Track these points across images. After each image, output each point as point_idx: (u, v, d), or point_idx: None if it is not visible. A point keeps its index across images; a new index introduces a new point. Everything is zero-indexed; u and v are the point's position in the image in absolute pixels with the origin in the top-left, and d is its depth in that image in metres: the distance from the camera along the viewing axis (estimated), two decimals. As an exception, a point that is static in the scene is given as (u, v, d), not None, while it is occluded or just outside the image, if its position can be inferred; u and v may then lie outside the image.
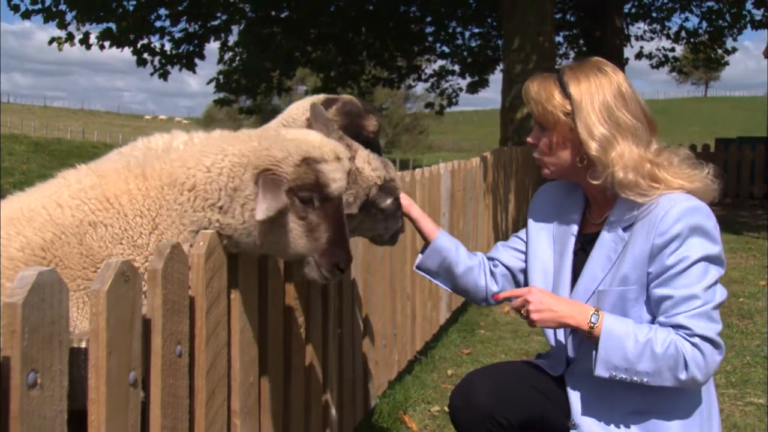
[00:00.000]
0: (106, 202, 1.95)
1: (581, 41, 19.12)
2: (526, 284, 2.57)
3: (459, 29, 19.23)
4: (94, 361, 1.54)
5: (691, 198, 2.21)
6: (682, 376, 2.08)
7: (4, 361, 1.29)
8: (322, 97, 2.94)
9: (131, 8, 13.99)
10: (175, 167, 2.01)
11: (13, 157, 26.80)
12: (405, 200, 2.63)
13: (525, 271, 2.58)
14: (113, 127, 59.05)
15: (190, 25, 15.47)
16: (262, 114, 19.75)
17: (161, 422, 1.76)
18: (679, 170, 2.25)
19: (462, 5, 18.00)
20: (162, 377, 1.76)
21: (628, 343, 2.08)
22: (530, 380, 2.38)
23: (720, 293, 2.15)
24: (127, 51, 14.58)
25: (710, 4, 18.63)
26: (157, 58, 15.11)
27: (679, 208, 2.15)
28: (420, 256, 2.66)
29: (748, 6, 17.53)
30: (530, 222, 2.55)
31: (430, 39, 19.26)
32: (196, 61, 15.42)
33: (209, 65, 17.07)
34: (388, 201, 2.51)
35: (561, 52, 19.91)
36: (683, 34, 19.74)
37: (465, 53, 19.45)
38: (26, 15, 13.03)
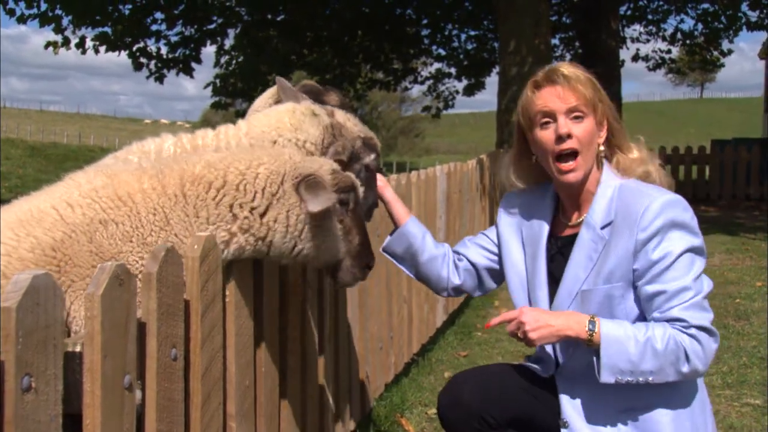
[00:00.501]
0: (118, 200, 1.99)
1: (577, 43, 19.14)
2: (490, 282, 2.64)
3: (455, 32, 19.25)
4: (89, 364, 1.54)
5: (666, 191, 2.24)
6: (684, 368, 2.10)
7: (-2, 365, 1.29)
8: (273, 91, 3.01)
9: (127, 12, 13.97)
10: (202, 168, 2.07)
11: (10, 161, 26.76)
12: (380, 181, 2.66)
13: (489, 270, 2.61)
14: (110, 131, 59.00)
15: (186, 29, 15.45)
16: (259, 117, 19.71)
17: (156, 426, 1.76)
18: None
19: (458, 8, 18.01)
20: (157, 380, 1.76)
21: (629, 345, 2.08)
22: (518, 381, 2.38)
23: (707, 283, 2.19)
24: (123, 55, 14.55)
25: (705, 6, 18.66)
26: (153, 62, 15.10)
27: (659, 202, 2.16)
28: (388, 238, 2.69)
29: (744, 8, 17.56)
30: (500, 231, 2.54)
31: (426, 41, 19.27)
32: (193, 65, 15.41)
33: (206, 69, 17.12)
34: (372, 156, 2.60)
35: (557, 54, 19.93)
36: (679, 36, 19.77)
37: (461, 56, 19.46)
38: (22, 19, 13.01)
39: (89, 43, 13.94)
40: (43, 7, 12.91)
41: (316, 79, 18.34)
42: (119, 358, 1.60)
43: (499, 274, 2.60)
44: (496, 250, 2.59)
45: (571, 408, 2.27)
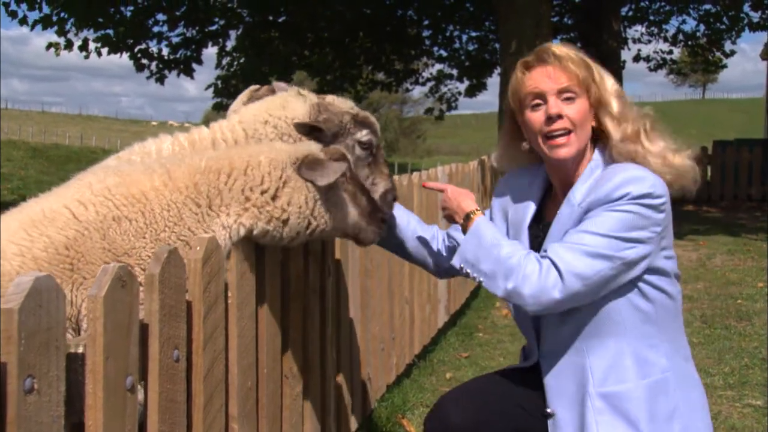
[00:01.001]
0: (132, 198, 2.03)
1: (578, 44, 19.14)
2: None
3: (456, 33, 19.24)
4: (91, 366, 1.54)
5: (643, 168, 2.15)
6: (509, 285, 2.07)
7: (0, 367, 1.29)
8: (248, 91, 3.18)
9: (129, 14, 13.99)
10: (207, 161, 2.17)
11: (12, 162, 26.79)
12: None
13: None
14: (111, 133, 59.05)
15: (187, 30, 15.47)
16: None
17: (158, 427, 1.76)
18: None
19: (459, 9, 18.01)
20: (159, 382, 1.76)
21: (482, 241, 2.17)
22: (505, 393, 2.32)
23: (625, 253, 2.05)
24: (124, 56, 14.57)
25: (707, 6, 18.65)
26: (154, 63, 15.12)
27: (624, 176, 2.09)
28: None
29: (746, 8, 17.55)
30: (492, 214, 2.54)
31: (427, 43, 19.27)
32: (194, 66, 15.42)
33: (207, 70, 17.08)
34: (364, 132, 2.67)
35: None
36: (680, 36, 19.76)
37: (462, 57, 19.45)
38: (24, 21, 13.02)
39: (91, 45, 13.96)
40: (45, 9, 12.92)
41: (317, 80, 18.39)
42: (121, 360, 1.60)
43: None
44: None
45: (553, 392, 2.24)
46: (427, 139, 60.23)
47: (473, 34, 19.26)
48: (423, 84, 20.71)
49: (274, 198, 2.16)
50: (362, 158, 2.68)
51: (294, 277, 2.59)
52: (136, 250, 1.98)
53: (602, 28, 15.46)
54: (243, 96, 3.13)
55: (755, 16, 17.66)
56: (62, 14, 13.02)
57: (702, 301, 6.64)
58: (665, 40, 20.06)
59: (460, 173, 6.23)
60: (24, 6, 12.63)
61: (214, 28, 16.03)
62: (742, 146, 15.15)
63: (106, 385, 1.55)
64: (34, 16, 14.29)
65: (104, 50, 14.03)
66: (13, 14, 12.73)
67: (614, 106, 2.22)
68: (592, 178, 2.21)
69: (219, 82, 16.95)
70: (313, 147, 2.33)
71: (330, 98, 2.76)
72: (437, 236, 2.69)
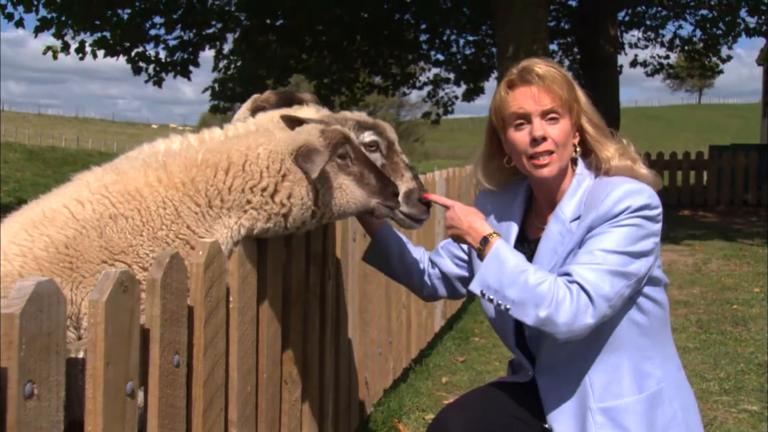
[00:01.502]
0: (128, 195, 2.03)
1: (575, 49, 19.17)
2: (462, 289, 2.64)
3: (453, 37, 19.26)
4: (91, 371, 1.54)
5: (635, 182, 2.19)
6: (542, 313, 2.01)
7: (1, 372, 1.29)
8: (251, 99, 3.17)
9: (126, 17, 13.98)
10: (204, 154, 2.14)
11: (8, 165, 26.70)
12: None
13: (460, 278, 2.60)
14: (108, 135, 58.97)
15: (184, 33, 15.47)
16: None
17: (158, 432, 1.76)
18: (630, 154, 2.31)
19: (457, 13, 18.04)
20: (159, 387, 1.75)
21: (506, 266, 2.08)
22: (503, 406, 2.31)
23: (634, 267, 2.08)
24: (121, 59, 14.57)
25: (704, 12, 18.71)
26: (151, 66, 15.11)
27: (622, 190, 2.13)
28: (366, 249, 2.74)
29: (742, 14, 17.61)
30: None
31: (425, 47, 19.28)
32: (191, 68, 15.42)
33: (204, 72, 17.17)
34: (366, 133, 2.67)
35: (555, 60, 19.94)
36: (677, 41, 19.82)
37: (459, 61, 19.48)
38: (20, 24, 13.00)
39: (88, 48, 13.94)
40: (42, 11, 12.92)
41: (314, 84, 18.37)
42: (122, 365, 1.60)
43: (469, 281, 2.58)
44: (466, 256, 2.57)
45: (552, 408, 2.24)
46: (425, 143, 60.24)
47: (470, 38, 19.28)
48: (420, 88, 20.73)
49: (273, 194, 2.13)
50: (374, 160, 2.67)
51: (295, 282, 2.59)
52: (133, 248, 1.98)
53: (599, 33, 15.48)
54: (247, 104, 3.14)
55: (751, 22, 17.73)
56: (60, 17, 13.01)
57: (698, 306, 6.65)
58: (662, 45, 20.12)
59: (457, 177, 6.23)
60: (21, 8, 12.61)
61: (211, 31, 16.04)
62: (739, 151, 15.20)
63: (106, 390, 1.55)
64: (31, 18, 14.24)
65: (101, 53, 14.03)
66: (9, 16, 12.71)
67: (597, 122, 2.28)
68: (580, 192, 2.24)
69: (216, 85, 16.94)
70: (312, 132, 2.26)
71: (345, 112, 2.79)
72: (423, 259, 2.67)
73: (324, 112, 2.76)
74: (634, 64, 20.65)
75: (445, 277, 2.62)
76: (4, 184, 21.13)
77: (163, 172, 2.09)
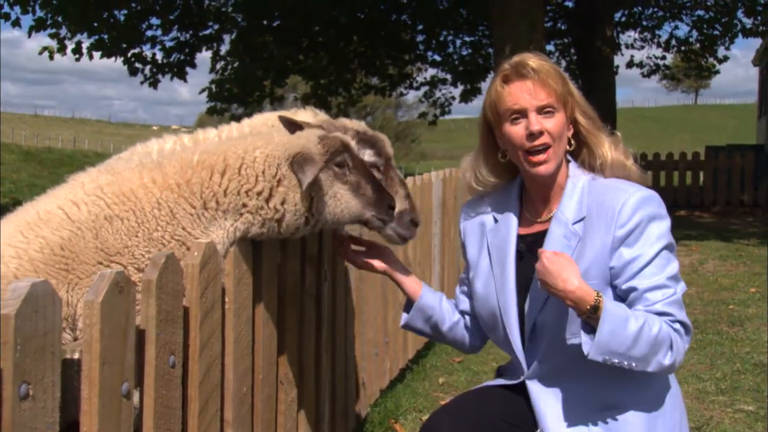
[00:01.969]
0: (123, 196, 2.03)
1: (572, 50, 19.20)
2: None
3: (450, 38, 19.28)
4: (87, 371, 1.54)
5: (640, 186, 2.22)
6: (666, 360, 2.06)
7: (-4, 373, 1.29)
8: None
9: (122, 18, 13.96)
10: (200, 155, 2.13)
11: (4, 166, 26.67)
12: (387, 257, 2.57)
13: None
14: (104, 136, 58.89)
15: (181, 35, 15.46)
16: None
17: (154, 433, 1.76)
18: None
19: (453, 14, 18.05)
20: (155, 388, 1.76)
21: (627, 328, 2.00)
22: (494, 410, 2.29)
23: (683, 283, 2.19)
24: (117, 60, 14.55)
25: (700, 12, 18.75)
26: (148, 67, 15.09)
27: (636, 198, 2.15)
28: (404, 315, 2.59)
29: (739, 14, 17.65)
30: (467, 251, 2.49)
31: (421, 47, 19.29)
32: (187, 69, 15.41)
33: (200, 73, 17.07)
34: (367, 152, 2.64)
35: (552, 61, 19.96)
36: (674, 42, 19.86)
37: (456, 62, 19.49)
38: (17, 23, 12.98)
39: (84, 49, 13.92)
40: (39, 12, 12.89)
41: (311, 84, 18.37)
42: (117, 366, 1.60)
43: None
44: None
45: (545, 416, 2.22)
46: (421, 143, 60.26)
47: (467, 39, 19.30)
48: (417, 89, 20.74)
49: (268, 199, 2.13)
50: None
51: (291, 282, 2.59)
52: (128, 249, 1.98)
53: (595, 34, 15.51)
54: (264, 119, 3.06)
55: (748, 22, 17.77)
56: (56, 18, 12.99)
57: (694, 306, 6.66)
58: (658, 45, 20.16)
59: (453, 178, 6.24)
60: (17, 9, 12.59)
61: (208, 32, 16.02)
62: (735, 152, 15.24)
63: (101, 391, 1.55)
64: (27, 19, 14.24)
65: (97, 53, 14.00)
66: (5, 16, 12.69)
67: (590, 114, 2.30)
68: (577, 192, 2.24)
69: (213, 87, 16.92)
70: (311, 138, 2.24)
71: (344, 119, 2.78)
72: (461, 316, 2.57)
73: (322, 117, 2.75)
74: (630, 65, 20.68)
75: (476, 319, 2.52)
76: (0, 185, 21.10)
77: (158, 173, 2.08)
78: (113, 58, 14.33)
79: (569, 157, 2.31)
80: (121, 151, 2.88)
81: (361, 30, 17.53)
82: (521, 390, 2.32)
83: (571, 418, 2.20)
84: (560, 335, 2.15)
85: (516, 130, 2.21)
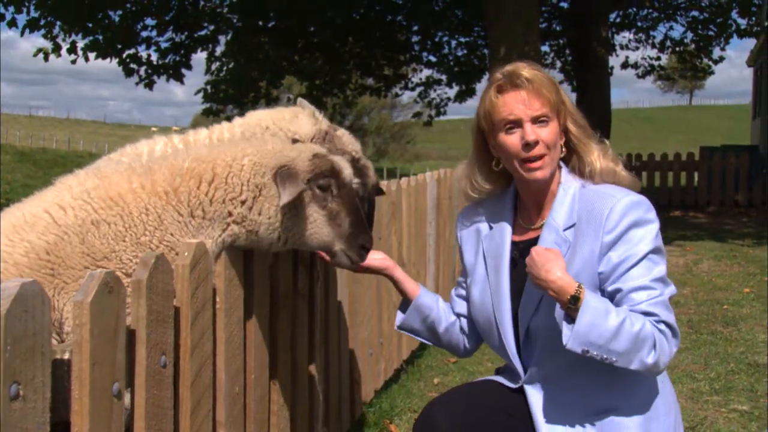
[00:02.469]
0: (110, 201, 2.01)
1: (567, 51, 19.23)
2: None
3: (445, 38, 19.29)
4: (77, 372, 1.54)
5: (629, 192, 2.23)
6: (649, 359, 2.06)
7: (-15, 373, 1.28)
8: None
9: (117, 18, 13.93)
10: (190, 162, 2.12)
11: (-2, 166, 26.62)
12: (388, 261, 2.57)
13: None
14: (99, 137, 58.76)
15: (176, 35, 15.43)
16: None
17: (145, 433, 1.75)
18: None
19: (449, 15, 18.06)
20: (146, 388, 1.75)
21: (607, 320, 2.02)
22: (492, 401, 2.32)
23: (671, 286, 2.19)
24: (112, 61, 14.52)
25: (695, 13, 18.79)
26: (143, 69, 15.07)
27: (623, 203, 2.17)
28: (400, 314, 2.59)
29: (733, 15, 17.69)
30: (464, 256, 2.49)
31: (417, 48, 19.30)
32: (183, 71, 15.38)
33: (195, 74, 17.11)
34: (356, 180, 2.54)
35: (547, 61, 20.01)
36: (668, 43, 19.91)
37: (451, 62, 19.50)
38: (13, 24, 12.94)
39: (79, 50, 13.88)
40: (33, 13, 12.87)
41: (306, 85, 18.36)
42: (108, 366, 1.59)
43: None
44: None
45: (544, 420, 2.24)
46: (416, 144, 60.26)
47: (462, 39, 19.31)
48: (412, 89, 20.75)
49: (250, 208, 2.12)
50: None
51: (282, 283, 2.59)
52: (116, 254, 1.97)
53: (590, 35, 15.53)
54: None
55: (742, 23, 17.81)
56: (50, 18, 12.96)
57: (689, 306, 6.68)
58: (653, 46, 20.21)
59: (448, 178, 6.24)
60: (12, 9, 12.56)
61: (203, 33, 16.00)
62: (729, 152, 15.29)
63: (92, 391, 1.54)
64: (22, 19, 14.20)
65: (92, 54, 13.97)
66: (0, 17, 12.65)
67: (581, 123, 2.32)
68: (568, 198, 2.26)
69: (209, 87, 16.90)
70: (304, 153, 2.21)
71: (341, 132, 2.68)
72: (449, 316, 2.57)
73: (321, 125, 2.66)
74: (625, 65, 20.72)
75: (472, 323, 2.54)
76: (-5, 186, 21.06)
77: (146, 179, 2.07)
78: (110, 60, 14.30)
79: (561, 164, 2.33)
80: (118, 149, 2.85)
81: (356, 31, 17.53)
82: (520, 392, 2.34)
83: (567, 423, 2.22)
84: (553, 339, 2.16)
85: (511, 140, 2.23)
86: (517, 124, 2.22)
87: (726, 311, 6.44)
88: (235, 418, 2.24)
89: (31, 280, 1.35)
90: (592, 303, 2.04)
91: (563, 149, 2.31)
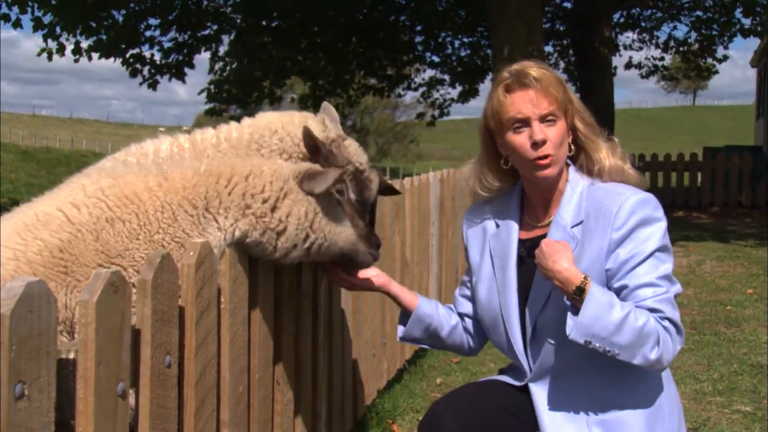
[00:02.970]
0: (125, 198, 2.03)
1: (570, 51, 19.22)
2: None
3: (449, 39, 19.29)
4: (82, 371, 1.54)
5: (637, 190, 2.24)
6: (652, 355, 2.06)
7: (-9, 373, 1.29)
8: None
9: (121, 18, 13.95)
10: (207, 166, 2.16)
11: (2, 165, 26.63)
12: (383, 278, 2.59)
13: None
14: (102, 136, 58.84)
15: (180, 35, 15.45)
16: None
17: (150, 433, 1.76)
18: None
19: (452, 15, 18.06)
20: (151, 388, 1.75)
21: (611, 313, 2.04)
22: (497, 400, 2.31)
23: (677, 284, 2.19)
24: (115, 60, 14.54)
25: (699, 13, 18.77)
26: (146, 68, 15.08)
27: (632, 201, 2.17)
28: (401, 327, 2.60)
29: (737, 14, 17.67)
30: (470, 255, 2.50)
31: (420, 48, 19.30)
32: (186, 70, 15.40)
33: (198, 74, 17.14)
34: (353, 194, 2.59)
35: (551, 61, 20.02)
36: (672, 43, 19.89)
37: (454, 62, 19.50)
38: (18, 24, 12.96)
39: (83, 50, 13.90)
40: (37, 12, 12.87)
41: (309, 85, 18.39)
42: (113, 366, 1.60)
43: None
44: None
45: (548, 418, 2.24)
46: (419, 144, 60.24)
47: (465, 40, 19.31)
48: (415, 89, 20.76)
49: (273, 209, 2.15)
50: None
51: (287, 282, 2.59)
52: (129, 252, 1.98)
53: (594, 35, 15.52)
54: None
55: (746, 22, 17.79)
56: (54, 18, 12.98)
57: (692, 307, 6.67)
58: (657, 46, 20.19)
59: (451, 178, 6.24)
60: (16, 9, 12.58)
61: (206, 32, 16.02)
62: (732, 153, 15.26)
63: (97, 391, 1.54)
64: (25, 19, 14.23)
65: (95, 54, 13.99)
66: (5, 17, 12.67)
67: (588, 121, 2.32)
68: (576, 196, 2.26)
69: (212, 87, 16.92)
70: (317, 166, 2.35)
71: (349, 142, 2.68)
72: (458, 319, 2.59)
73: (330, 134, 2.64)
74: (629, 66, 20.72)
75: (477, 322, 2.56)
76: (-1, 185, 21.09)
77: (163, 179, 2.11)
78: (114, 60, 14.32)
79: (569, 161, 2.34)
80: (122, 149, 2.84)
81: (359, 31, 17.54)
82: (525, 391, 2.34)
83: (571, 419, 2.22)
84: (559, 336, 2.17)
85: (520, 139, 2.24)
86: (525, 123, 2.23)
87: (729, 312, 6.43)
88: (239, 418, 2.24)
89: (36, 280, 1.35)
90: (597, 295, 2.06)
91: (571, 147, 2.31)
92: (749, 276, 8.04)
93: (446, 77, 20.03)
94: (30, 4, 12.56)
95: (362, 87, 19.82)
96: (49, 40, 13.12)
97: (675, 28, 22.07)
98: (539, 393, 2.28)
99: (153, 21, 14.86)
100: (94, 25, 13.39)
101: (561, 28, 19.43)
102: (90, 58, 13.99)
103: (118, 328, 1.61)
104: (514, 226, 2.38)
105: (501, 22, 11.41)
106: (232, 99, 17.02)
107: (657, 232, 2.17)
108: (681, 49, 19.94)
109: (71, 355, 1.55)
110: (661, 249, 2.17)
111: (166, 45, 15.31)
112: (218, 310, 2.08)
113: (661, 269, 2.14)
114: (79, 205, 2.00)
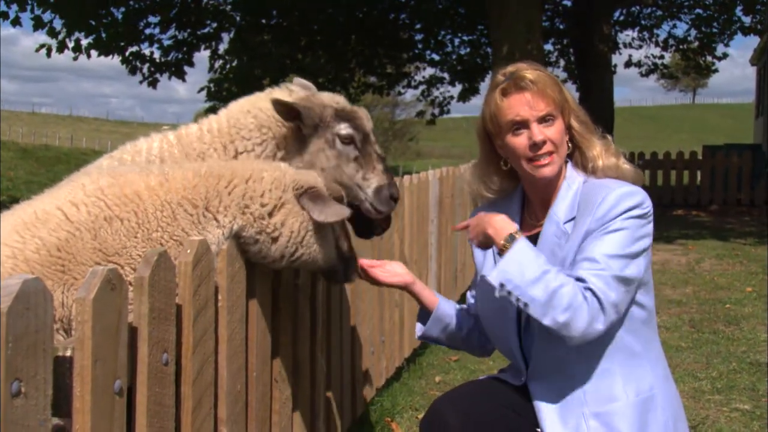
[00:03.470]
0: (125, 197, 2.03)
1: (570, 49, 19.21)
2: None
3: (448, 37, 19.28)
4: (79, 369, 1.54)
5: (627, 184, 2.24)
6: (561, 318, 2.03)
7: (-13, 371, 1.28)
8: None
9: (120, 16, 13.94)
10: (207, 168, 2.18)
11: (1, 163, 26.65)
12: (407, 277, 2.62)
13: None
14: (101, 134, 58.84)
15: (179, 33, 15.44)
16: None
17: (147, 431, 1.75)
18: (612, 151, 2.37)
19: (452, 13, 18.05)
20: (148, 385, 1.75)
21: (532, 264, 2.05)
22: (497, 398, 2.33)
23: (632, 271, 2.12)
24: (115, 58, 14.53)
25: (699, 11, 18.76)
26: (146, 66, 15.07)
27: (616, 193, 2.17)
28: (420, 326, 2.64)
29: (737, 12, 17.67)
30: (475, 253, 2.52)
31: (420, 46, 19.29)
32: (185, 68, 15.39)
33: (198, 71, 17.15)
34: (343, 125, 2.65)
35: (551, 60, 20.01)
36: (672, 41, 19.88)
37: (454, 61, 19.49)
38: (17, 22, 12.95)
39: (82, 47, 13.89)
40: (37, 10, 12.86)
41: (309, 84, 18.39)
42: (110, 363, 1.59)
43: None
44: None
45: (545, 414, 2.25)
46: (419, 142, 60.21)
47: (465, 38, 19.30)
48: (415, 87, 20.75)
49: (270, 214, 2.16)
50: (345, 153, 2.65)
51: (285, 280, 2.59)
52: (126, 250, 1.98)
53: (593, 33, 15.51)
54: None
55: (747, 20, 17.79)
56: (54, 16, 12.97)
57: (690, 305, 6.67)
58: (656, 44, 20.17)
59: (451, 176, 6.24)
60: (15, 7, 12.56)
61: (206, 30, 16.01)
62: (732, 151, 15.27)
63: (94, 389, 1.54)
64: (25, 16, 14.23)
65: (94, 52, 13.97)
66: (4, 15, 12.66)
67: (583, 119, 2.33)
68: (571, 193, 2.28)
69: (211, 86, 16.91)
70: (318, 180, 2.31)
71: (321, 93, 2.76)
72: (466, 318, 2.62)
73: (299, 94, 2.73)
74: (628, 64, 20.70)
75: None
76: (-2, 182, 21.09)
77: (164, 179, 2.11)
78: (112, 57, 14.31)
79: (566, 159, 2.35)
80: (119, 147, 2.87)
81: (359, 29, 17.53)
82: (524, 389, 2.36)
83: (568, 416, 2.22)
84: (547, 333, 2.16)
85: (519, 141, 2.26)
86: (524, 125, 2.24)
87: (728, 310, 6.43)
88: (237, 416, 2.24)
89: (33, 277, 1.35)
90: (524, 246, 2.10)
91: (568, 145, 2.33)
92: (748, 274, 8.04)
93: (446, 75, 20.02)
94: (29, 2, 12.55)
95: (362, 85, 19.81)
96: (46, 36, 13.12)
97: (675, 26, 22.11)
98: (536, 390, 2.30)
99: (152, 19, 14.86)
100: (93, 23, 13.38)
101: (561, 27, 19.43)
102: (89, 56, 13.98)
103: (115, 325, 1.60)
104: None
105: (500, 20, 11.40)
106: (231, 97, 16.82)
107: (633, 222, 2.15)
108: (681, 47, 19.93)
109: (68, 353, 1.55)
110: (630, 237, 2.13)
111: (166, 43, 15.31)
112: (216, 308, 2.08)
113: (612, 249, 2.10)
114: (78, 203, 2.00)
